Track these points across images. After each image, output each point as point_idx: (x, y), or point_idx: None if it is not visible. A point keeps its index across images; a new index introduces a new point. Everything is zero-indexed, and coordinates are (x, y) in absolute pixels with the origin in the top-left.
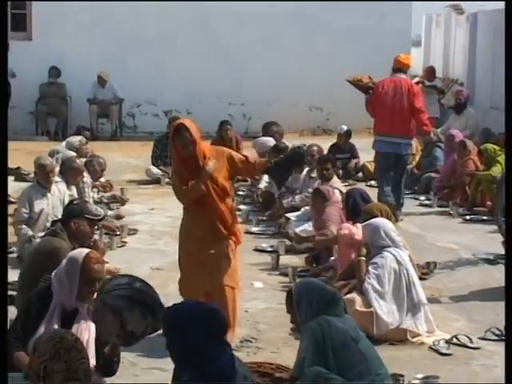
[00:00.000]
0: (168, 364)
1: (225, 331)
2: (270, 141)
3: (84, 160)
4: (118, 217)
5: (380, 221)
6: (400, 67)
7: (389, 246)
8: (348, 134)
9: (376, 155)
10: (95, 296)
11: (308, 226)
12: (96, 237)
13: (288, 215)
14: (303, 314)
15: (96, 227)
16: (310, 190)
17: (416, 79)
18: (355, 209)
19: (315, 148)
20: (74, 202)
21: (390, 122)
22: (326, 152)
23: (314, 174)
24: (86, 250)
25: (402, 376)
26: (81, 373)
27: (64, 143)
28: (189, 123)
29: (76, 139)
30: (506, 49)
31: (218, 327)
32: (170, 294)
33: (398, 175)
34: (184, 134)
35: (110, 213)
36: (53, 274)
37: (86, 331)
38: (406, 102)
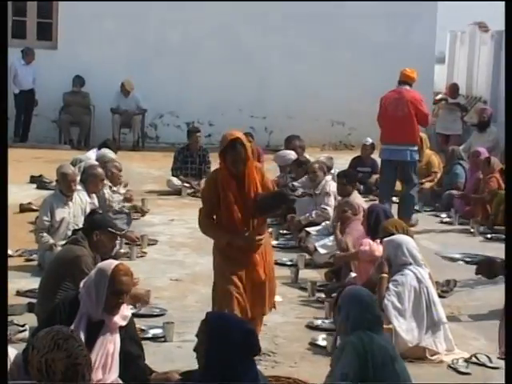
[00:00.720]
0: None
1: (256, 352)
2: (292, 154)
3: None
4: (129, 199)
5: (402, 238)
6: (405, 80)
7: (410, 264)
8: (372, 147)
9: (381, 166)
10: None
11: (328, 241)
12: (117, 248)
13: (308, 229)
14: (345, 322)
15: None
16: (324, 205)
17: (439, 96)
18: (376, 225)
19: (316, 165)
20: (98, 213)
21: (392, 130)
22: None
23: (318, 190)
24: (116, 262)
25: None
26: (81, 358)
27: (91, 154)
28: (244, 139)
29: (110, 153)
30: (506, 48)
31: (252, 348)
32: (188, 305)
33: (406, 184)
34: (239, 149)
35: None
36: (81, 283)
37: (111, 344)
38: (407, 110)
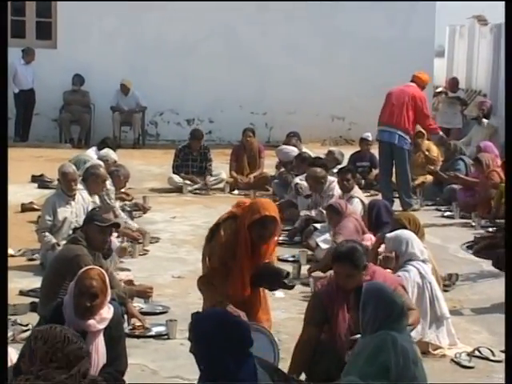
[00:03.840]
0: (189, 373)
1: (248, 345)
2: (295, 151)
3: (109, 170)
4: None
5: (406, 233)
6: (414, 80)
7: (413, 260)
8: (371, 142)
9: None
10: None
11: (329, 236)
12: (115, 244)
13: (315, 225)
14: (366, 320)
15: (116, 235)
16: (323, 208)
17: (439, 89)
18: (378, 220)
19: (318, 174)
20: (95, 210)
21: (388, 114)
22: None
23: (324, 194)
24: (91, 267)
25: None
26: (86, 353)
27: (91, 152)
28: (277, 214)
29: (112, 154)
30: (506, 48)
31: (242, 340)
32: (191, 302)
33: (398, 169)
34: (270, 229)
35: (130, 222)
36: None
37: (95, 354)
38: (407, 100)
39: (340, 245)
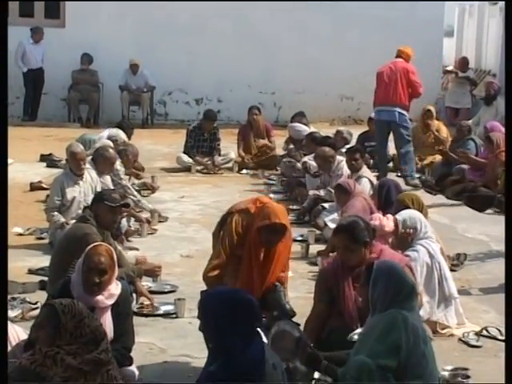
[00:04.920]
0: (197, 351)
1: (256, 322)
2: (306, 130)
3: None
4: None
5: (417, 212)
6: (399, 55)
7: (421, 239)
8: None
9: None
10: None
11: (337, 216)
12: (125, 224)
13: (324, 204)
14: (376, 297)
15: (124, 214)
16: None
17: (449, 67)
18: (388, 199)
19: (327, 153)
20: (107, 190)
21: (384, 94)
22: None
23: (333, 173)
24: (99, 243)
25: None
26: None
27: (105, 134)
28: (289, 224)
29: (122, 134)
30: (506, 48)
31: (249, 317)
32: (199, 281)
33: (400, 147)
34: (278, 235)
35: (144, 202)
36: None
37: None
38: (399, 77)
39: (342, 219)
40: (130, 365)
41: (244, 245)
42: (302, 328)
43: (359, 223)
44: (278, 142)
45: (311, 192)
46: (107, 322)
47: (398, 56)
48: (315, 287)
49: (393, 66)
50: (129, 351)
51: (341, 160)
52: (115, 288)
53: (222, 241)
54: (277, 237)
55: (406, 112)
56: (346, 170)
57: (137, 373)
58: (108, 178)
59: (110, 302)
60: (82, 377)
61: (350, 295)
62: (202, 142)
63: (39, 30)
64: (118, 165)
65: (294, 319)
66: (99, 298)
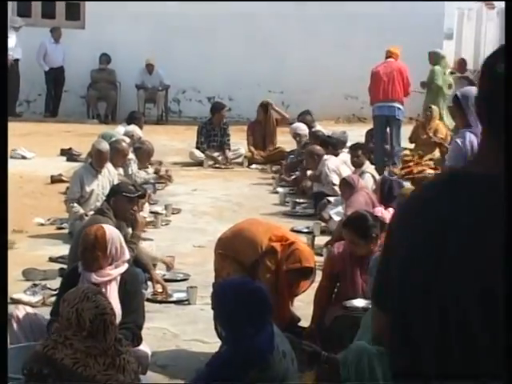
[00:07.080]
0: (209, 337)
1: (266, 311)
2: (303, 128)
3: (134, 146)
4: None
5: None
6: (390, 56)
7: None
8: None
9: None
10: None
11: (342, 209)
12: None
13: (329, 198)
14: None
15: (139, 204)
16: (330, 183)
17: (448, 70)
18: (390, 194)
19: (310, 151)
20: (121, 183)
21: (383, 91)
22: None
23: (318, 172)
24: (93, 225)
25: None
26: (108, 309)
27: (121, 129)
28: (315, 263)
29: (137, 130)
30: (506, 48)
31: (260, 306)
32: (210, 270)
33: (394, 138)
34: (307, 277)
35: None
36: None
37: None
38: (395, 74)
39: (353, 212)
40: (140, 343)
41: (277, 290)
42: (301, 327)
43: (367, 219)
44: (285, 138)
45: (315, 186)
46: (112, 298)
47: (388, 57)
48: (323, 270)
49: (387, 65)
50: (139, 328)
51: (325, 158)
52: (119, 267)
53: None
54: (305, 279)
55: (402, 107)
56: (328, 167)
57: (149, 353)
58: (121, 170)
59: (113, 272)
60: (91, 358)
61: (356, 283)
62: (212, 137)
63: (57, 29)
64: (131, 157)
65: (298, 306)
66: (102, 271)
